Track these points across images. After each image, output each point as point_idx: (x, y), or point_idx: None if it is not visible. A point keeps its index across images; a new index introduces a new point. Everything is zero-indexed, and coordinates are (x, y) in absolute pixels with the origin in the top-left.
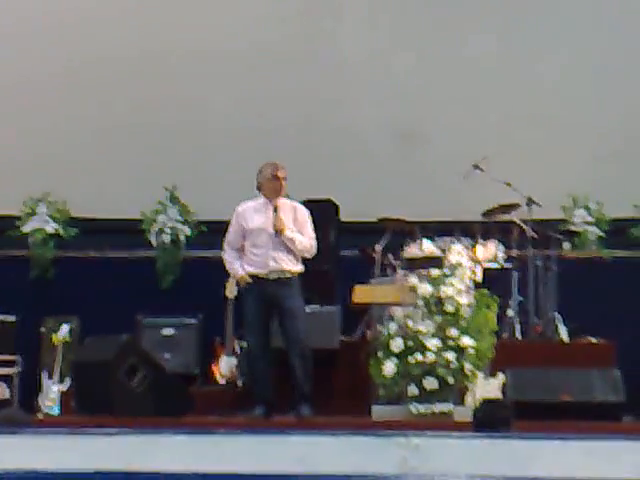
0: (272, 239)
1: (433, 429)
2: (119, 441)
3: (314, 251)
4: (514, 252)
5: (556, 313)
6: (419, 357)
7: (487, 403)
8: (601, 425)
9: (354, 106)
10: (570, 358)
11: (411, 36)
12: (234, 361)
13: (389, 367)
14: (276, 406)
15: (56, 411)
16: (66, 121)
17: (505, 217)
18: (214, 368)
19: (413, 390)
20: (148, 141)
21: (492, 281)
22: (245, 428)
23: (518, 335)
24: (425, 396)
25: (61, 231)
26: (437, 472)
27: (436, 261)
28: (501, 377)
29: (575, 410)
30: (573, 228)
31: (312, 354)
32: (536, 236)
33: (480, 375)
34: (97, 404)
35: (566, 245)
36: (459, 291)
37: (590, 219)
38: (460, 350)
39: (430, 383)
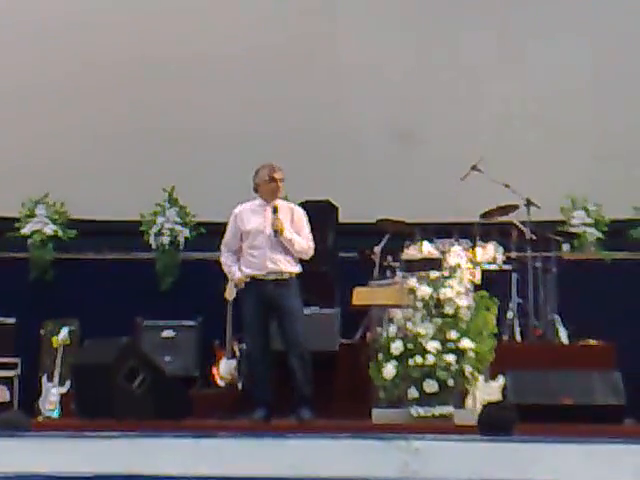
0: (269, 240)
1: (433, 432)
2: (119, 444)
3: (312, 252)
4: (513, 254)
5: (555, 315)
6: (419, 360)
7: (492, 406)
8: (602, 428)
9: (352, 108)
10: (570, 360)
11: (408, 38)
12: (234, 363)
13: (389, 370)
14: (276, 409)
15: (56, 414)
16: (65, 123)
17: (504, 219)
18: (214, 371)
19: (413, 393)
20: (147, 143)
21: (491, 283)
22: (245, 431)
23: (518, 337)
24: (425, 399)
25: (60, 233)
26: (438, 476)
27: (435, 263)
28: (501, 380)
29: (575, 413)
30: (572, 230)
31: (311, 356)
32: (535, 238)
33: (480, 378)
34: (97, 407)
35: (565, 247)
36: (458, 293)
37: (589, 220)
38: (460, 352)
39: (430, 386)
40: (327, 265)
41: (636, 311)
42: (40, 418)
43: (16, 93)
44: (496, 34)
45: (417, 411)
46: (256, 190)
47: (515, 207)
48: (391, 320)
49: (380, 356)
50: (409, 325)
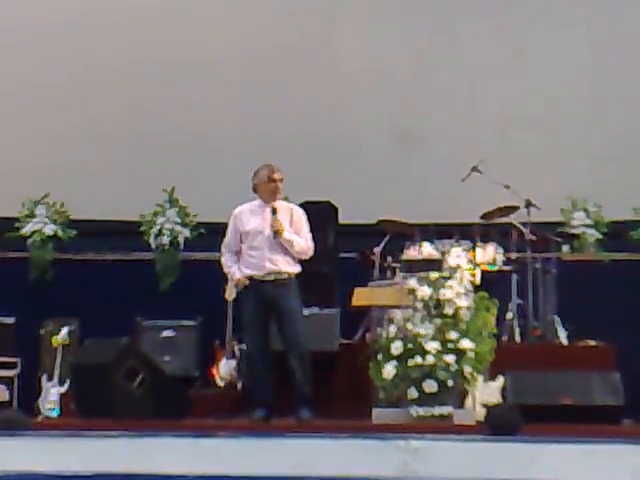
0: (269, 241)
1: (433, 432)
2: (119, 444)
3: (311, 253)
4: (513, 255)
5: (555, 316)
6: (419, 360)
7: (498, 408)
8: (601, 428)
9: (353, 109)
10: (569, 361)
11: (408, 40)
12: (233, 364)
13: (389, 370)
14: (276, 409)
15: (56, 413)
16: (65, 124)
17: (504, 220)
18: (213, 371)
19: (413, 393)
20: (147, 144)
21: (491, 284)
22: (245, 431)
23: (517, 338)
24: (425, 399)
25: (60, 233)
26: (437, 475)
27: (435, 264)
28: (501, 380)
29: (574, 413)
30: (572, 231)
31: (310, 356)
32: (535, 239)
33: (480, 378)
34: (97, 406)
35: (565, 248)
36: (458, 294)
37: (589, 222)
38: (460, 353)
39: (430, 386)
40: (327, 265)
41: (636, 312)
42: (40, 418)
43: (17, 94)
44: (496, 36)
45: (417, 411)
46: (255, 191)
47: (515, 208)
48: (391, 320)
49: (380, 356)
50: (409, 325)
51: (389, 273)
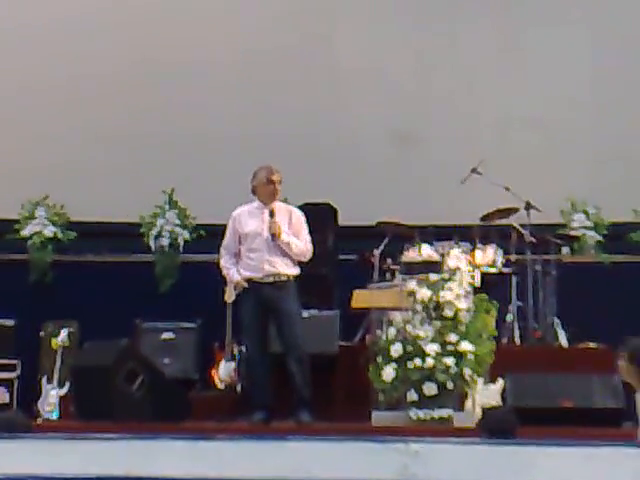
0: (267, 243)
1: (433, 435)
2: (118, 446)
3: (310, 255)
4: (513, 257)
5: (555, 318)
6: (418, 362)
7: (492, 410)
8: (601, 431)
9: (352, 111)
10: (569, 363)
11: (407, 41)
12: (233, 366)
13: (388, 372)
14: (275, 411)
15: (55, 416)
16: (65, 125)
17: (504, 221)
18: (213, 373)
19: (412, 395)
20: (147, 145)
21: (491, 286)
22: (244, 433)
23: (517, 340)
24: (425, 402)
25: (60, 235)
26: (437, 478)
27: (435, 266)
28: (501, 382)
29: (575, 416)
30: (572, 232)
31: (309, 359)
32: (535, 240)
33: (479, 381)
34: (96, 409)
35: (565, 250)
36: (458, 296)
37: (589, 223)
38: (459, 355)
39: (429, 388)
40: (327, 267)
41: (636, 314)
42: (39, 420)
43: (17, 95)
44: (495, 37)
45: (416, 414)
46: (254, 192)
47: (515, 210)
48: (390, 323)
49: (379, 359)
50: (408, 328)
51: (388, 275)
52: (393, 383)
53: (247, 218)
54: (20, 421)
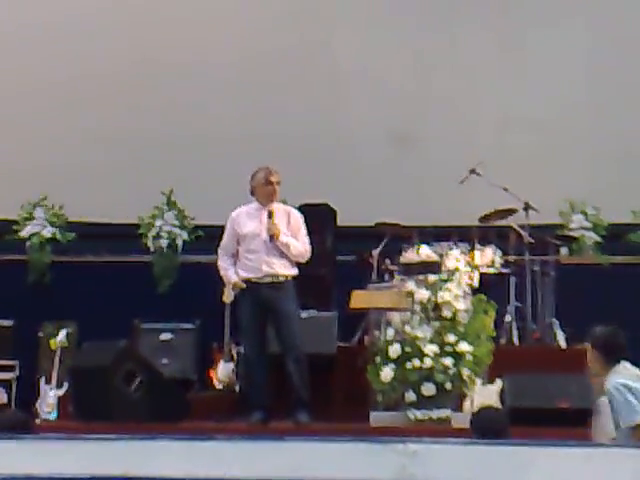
0: (265, 244)
1: (431, 435)
2: (116, 446)
3: (308, 255)
4: (511, 257)
5: (554, 319)
6: (417, 363)
7: (483, 410)
8: None
9: (351, 112)
10: (568, 364)
11: (406, 41)
12: (231, 366)
13: (387, 373)
14: (273, 412)
15: (54, 416)
16: (64, 126)
17: (502, 222)
18: (211, 373)
19: (411, 396)
20: (145, 146)
21: (489, 286)
22: (242, 434)
23: (516, 341)
24: (423, 402)
25: (58, 236)
26: (435, 479)
27: (433, 266)
28: (499, 383)
29: (573, 416)
30: (570, 233)
31: (307, 359)
32: (533, 241)
33: (478, 381)
34: (95, 409)
35: (563, 250)
36: (456, 296)
37: (587, 224)
38: (458, 356)
39: (428, 389)
40: (325, 268)
41: (634, 315)
42: (38, 420)
43: (16, 96)
44: (494, 39)
45: (415, 414)
46: (252, 193)
47: (514, 211)
48: (389, 323)
49: (378, 359)
50: (407, 328)
51: (387, 276)
52: (391, 384)
53: (246, 219)
54: (23, 420)
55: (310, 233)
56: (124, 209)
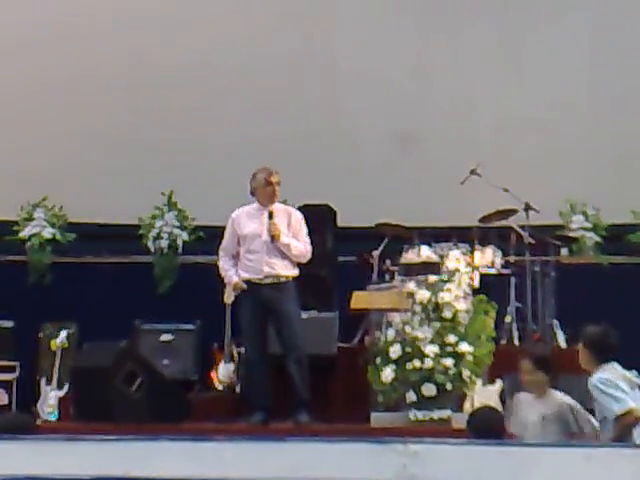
0: (266, 245)
1: (432, 436)
2: (117, 447)
3: (309, 256)
4: (512, 258)
5: (554, 319)
6: (417, 363)
7: (480, 410)
8: None
9: (351, 113)
10: (568, 365)
11: (407, 42)
12: (232, 367)
13: (387, 374)
14: (274, 412)
15: (54, 417)
16: (64, 127)
17: (503, 223)
18: (212, 374)
19: (411, 397)
20: (146, 146)
21: (490, 287)
22: (243, 434)
23: (516, 341)
24: (423, 403)
25: (58, 236)
26: (436, 479)
27: (434, 267)
28: (499, 384)
29: None
30: (571, 234)
31: (308, 360)
32: (534, 242)
33: (478, 382)
34: (95, 410)
35: (564, 251)
36: (457, 297)
37: (588, 225)
38: (458, 356)
39: (428, 390)
40: (326, 269)
41: (635, 316)
42: (38, 421)
43: (16, 97)
44: (494, 40)
45: (415, 415)
46: (253, 194)
47: (514, 211)
48: (389, 324)
49: (378, 360)
50: (407, 329)
51: (388, 276)
52: (392, 384)
53: (246, 219)
54: (25, 421)
55: (310, 234)
56: (124, 210)
